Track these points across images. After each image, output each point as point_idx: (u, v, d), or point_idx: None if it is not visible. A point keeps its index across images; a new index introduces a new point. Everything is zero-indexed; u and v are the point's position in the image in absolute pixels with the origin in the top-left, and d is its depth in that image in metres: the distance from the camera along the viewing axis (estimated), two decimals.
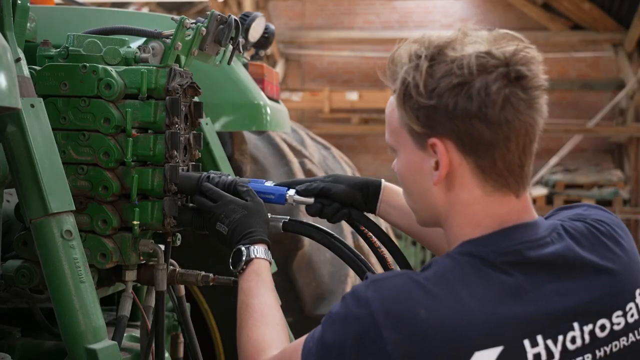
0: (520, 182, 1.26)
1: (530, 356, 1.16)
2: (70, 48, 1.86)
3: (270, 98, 2.82)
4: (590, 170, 11.72)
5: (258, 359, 1.39)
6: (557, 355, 1.18)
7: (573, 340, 1.19)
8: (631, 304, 1.24)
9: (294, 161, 3.22)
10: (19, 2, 1.58)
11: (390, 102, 1.36)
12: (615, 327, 1.22)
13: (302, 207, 2.99)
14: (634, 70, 11.57)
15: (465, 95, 1.20)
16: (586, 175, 11.41)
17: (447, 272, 1.21)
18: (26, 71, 1.57)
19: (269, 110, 2.73)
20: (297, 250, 2.92)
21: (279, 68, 13.43)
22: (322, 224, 1.87)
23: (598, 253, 1.26)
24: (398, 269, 1.75)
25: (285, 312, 2.46)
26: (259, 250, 1.60)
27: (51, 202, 1.55)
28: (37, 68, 1.82)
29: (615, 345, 1.22)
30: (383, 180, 1.76)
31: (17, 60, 1.52)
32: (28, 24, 1.71)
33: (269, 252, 1.62)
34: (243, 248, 1.60)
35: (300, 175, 3.19)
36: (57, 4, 3.39)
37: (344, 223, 1.88)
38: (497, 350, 1.14)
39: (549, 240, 1.25)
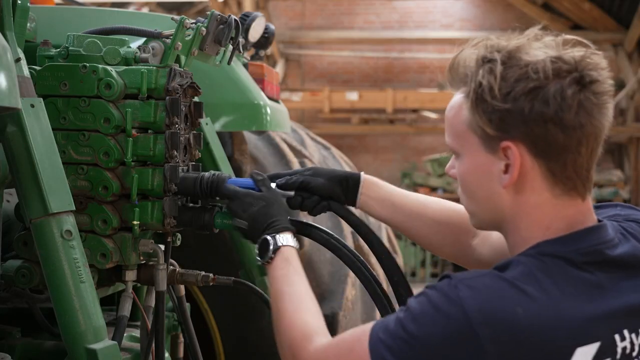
0: (587, 185, 1.30)
1: (619, 350, 1.21)
2: (70, 48, 1.86)
3: (270, 98, 2.82)
4: None
5: (307, 345, 1.36)
6: (637, 349, 1.23)
7: None
8: None
9: (294, 161, 3.22)
10: (19, 2, 1.58)
11: (452, 105, 1.37)
12: None
13: None
14: (634, 70, 11.58)
15: (542, 99, 1.22)
16: None
17: (536, 272, 1.22)
18: (26, 71, 1.57)
19: (269, 110, 2.73)
20: (297, 250, 2.92)
21: (279, 68, 13.44)
22: (322, 224, 1.87)
23: None
24: (402, 271, 1.75)
25: None
26: (286, 238, 1.58)
27: (51, 202, 1.55)
28: (37, 68, 1.82)
29: None
30: (362, 173, 1.76)
31: (17, 60, 1.52)
32: (28, 24, 1.71)
33: (296, 240, 1.61)
34: (269, 237, 1.58)
35: None
36: (57, 4, 3.38)
37: (344, 223, 1.88)
38: (595, 346, 1.18)
39: (617, 242, 1.30)
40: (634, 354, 1.23)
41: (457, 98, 1.35)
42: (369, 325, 1.29)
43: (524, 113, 1.23)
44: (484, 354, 1.16)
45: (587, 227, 1.29)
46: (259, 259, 1.59)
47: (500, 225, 1.36)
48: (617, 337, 1.21)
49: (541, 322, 1.17)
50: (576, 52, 1.26)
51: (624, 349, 1.21)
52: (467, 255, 1.68)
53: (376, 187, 1.76)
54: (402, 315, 1.24)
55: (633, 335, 1.23)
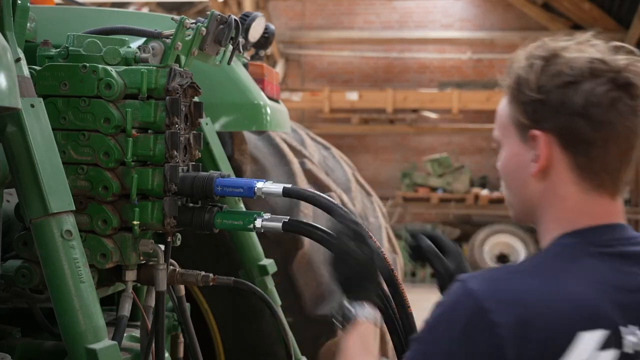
0: (617, 184, 1.32)
1: (627, 342, 1.21)
2: (70, 48, 1.86)
3: (270, 98, 2.82)
4: None
5: None
6: None
7: None
8: None
9: (294, 161, 3.22)
10: (19, 2, 1.58)
11: (502, 100, 1.42)
12: None
13: (303, 207, 3.00)
14: None
15: (573, 93, 1.26)
16: None
17: (546, 260, 1.27)
18: (26, 71, 1.57)
19: (269, 110, 2.73)
20: (297, 250, 2.92)
21: (279, 68, 13.43)
22: (322, 224, 1.87)
23: None
24: (398, 270, 1.75)
25: (285, 312, 2.48)
26: (366, 312, 1.55)
27: (51, 202, 1.55)
28: (37, 68, 1.82)
29: None
30: None
31: (17, 60, 1.52)
32: (28, 24, 1.71)
33: (374, 314, 1.57)
34: (351, 306, 1.55)
35: (300, 175, 3.19)
36: (57, 4, 3.38)
37: None
38: (600, 333, 1.19)
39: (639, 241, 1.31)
40: None
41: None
42: None
43: (555, 105, 1.27)
44: (500, 340, 1.17)
45: (610, 223, 1.31)
46: (333, 317, 1.58)
47: (532, 216, 1.38)
48: (622, 329, 1.21)
49: (548, 306, 1.19)
50: (622, 59, 1.28)
51: (631, 343, 1.21)
52: None
53: None
54: (422, 332, 1.27)
55: (638, 330, 1.22)
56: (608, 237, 1.29)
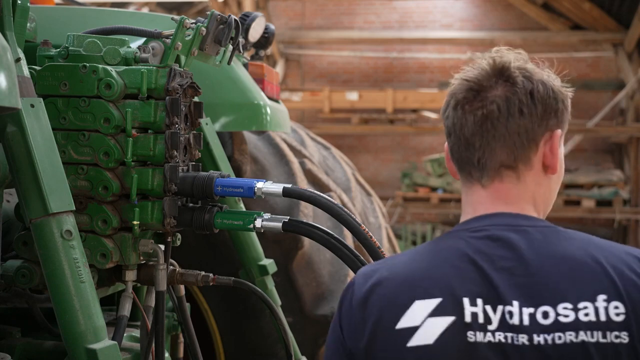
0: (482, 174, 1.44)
1: (467, 312, 1.28)
2: (70, 48, 1.86)
3: (270, 98, 2.82)
4: (590, 170, 11.72)
5: None
6: (495, 323, 1.27)
7: (511, 315, 1.27)
8: (587, 303, 1.27)
9: (294, 161, 3.22)
10: (19, 2, 1.58)
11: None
12: (562, 319, 1.26)
13: (303, 207, 3.00)
14: (634, 70, 11.58)
15: None
16: (586, 175, 11.40)
17: (426, 244, 1.42)
18: (26, 71, 1.57)
19: (269, 110, 2.73)
20: (297, 250, 2.92)
21: (279, 68, 13.43)
22: (322, 223, 1.87)
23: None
24: None
25: (285, 312, 2.48)
26: None
27: (51, 202, 1.55)
28: (37, 68, 1.82)
29: (560, 337, 1.25)
30: None
31: (17, 60, 1.52)
32: (28, 24, 1.71)
33: None
34: None
35: (300, 175, 3.19)
36: (57, 4, 3.38)
37: None
38: (435, 301, 1.29)
39: (514, 228, 1.36)
40: (490, 327, 1.26)
41: None
42: None
43: None
44: (353, 296, 1.36)
45: (488, 213, 1.39)
46: None
47: None
48: (466, 300, 1.28)
49: (394, 276, 1.34)
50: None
51: (475, 314, 1.27)
52: None
53: None
54: None
55: (488, 307, 1.28)
56: (483, 224, 1.37)
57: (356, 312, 1.35)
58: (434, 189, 12.51)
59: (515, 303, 1.27)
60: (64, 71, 1.80)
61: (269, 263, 2.50)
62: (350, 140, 13.65)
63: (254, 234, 2.48)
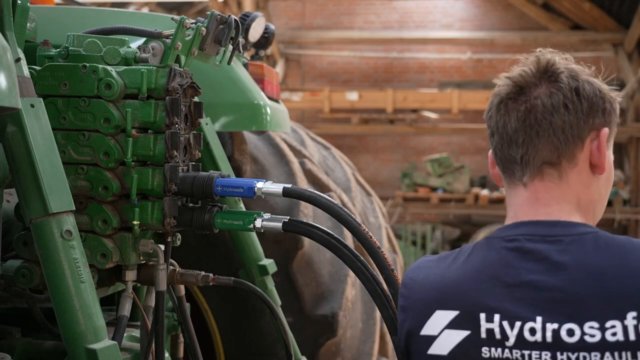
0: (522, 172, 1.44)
1: (483, 329, 1.28)
2: (70, 48, 1.86)
3: (270, 98, 2.82)
4: None
5: None
6: (512, 339, 1.26)
7: (532, 332, 1.25)
8: (615, 322, 1.22)
9: (294, 161, 3.22)
10: (19, 2, 1.58)
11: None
12: (587, 338, 1.22)
13: (303, 207, 3.00)
14: (634, 70, 11.58)
15: None
16: None
17: (462, 249, 1.42)
18: (26, 71, 1.57)
19: (269, 110, 2.73)
20: (297, 250, 2.92)
21: (279, 68, 13.43)
22: (322, 223, 1.87)
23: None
24: (398, 269, 1.79)
25: (285, 312, 2.47)
26: None
27: (51, 202, 1.55)
28: (37, 68, 1.82)
29: (584, 358, 1.21)
30: None
31: (17, 60, 1.52)
32: (28, 24, 1.71)
33: None
34: None
35: (300, 175, 3.19)
36: (57, 4, 3.38)
37: None
38: (453, 314, 1.31)
39: (553, 240, 1.32)
40: (508, 343, 1.26)
41: None
42: None
43: None
44: (401, 308, 1.42)
45: (524, 220, 1.37)
46: None
47: None
48: (482, 315, 1.28)
49: (423, 284, 1.39)
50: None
51: (490, 330, 1.27)
52: None
53: None
54: None
55: (505, 323, 1.26)
56: (517, 232, 1.35)
57: (400, 310, 1.43)
58: (434, 189, 12.51)
59: (539, 319, 1.25)
60: (64, 71, 1.80)
61: (269, 263, 2.50)
62: (350, 140, 13.66)
63: (254, 234, 2.48)
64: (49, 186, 1.55)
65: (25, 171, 1.55)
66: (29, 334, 2.00)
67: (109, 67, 1.80)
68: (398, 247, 4.15)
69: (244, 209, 2.39)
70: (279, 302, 2.48)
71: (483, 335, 1.27)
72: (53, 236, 1.55)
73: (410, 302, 1.40)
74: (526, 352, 1.24)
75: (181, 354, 2.35)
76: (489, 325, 1.27)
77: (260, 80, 2.81)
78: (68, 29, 1.95)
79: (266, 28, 2.79)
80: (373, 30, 13.94)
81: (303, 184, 3.11)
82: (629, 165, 11.96)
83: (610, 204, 11.08)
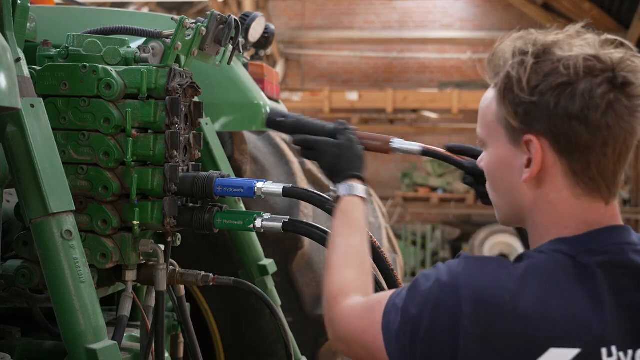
0: (612, 189, 1.26)
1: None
2: (70, 48, 1.86)
3: (270, 98, 2.82)
4: None
5: (340, 301, 1.38)
6: None
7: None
8: None
9: (294, 161, 3.22)
10: (19, 2, 1.58)
11: (486, 97, 1.35)
12: None
13: (302, 207, 3.00)
14: None
15: (569, 95, 1.20)
16: None
17: (539, 266, 1.21)
18: (26, 71, 1.57)
19: (269, 110, 2.73)
20: (297, 250, 2.92)
21: (279, 68, 13.43)
22: (322, 223, 1.87)
23: None
24: (398, 269, 1.76)
25: (285, 312, 2.47)
26: (351, 188, 1.59)
27: (51, 202, 1.55)
28: (37, 68, 1.82)
29: None
30: None
31: (17, 60, 1.52)
32: (28, 24, 1.71)
33: (360, 187, 1.60)
34: (333, 187, 1.61)
35: (300, 175, 3.18)
36: (57, 4, 3.38)
37: None
38: (573, 352, 1.15)
39: (639, 249, 1.24)
40: None
41: (491, 90, 1.34)
42: (392, 291, 1.31)
43: (549, 107, 1.21)
44: (461, 331, 1.16)
45: (606, 226, 1.25)
46: (329, 205, 1.65)
47: (522, 220, 1.34)
48: (604, 351, 1.16)
49: (523, 314, 1.16)
50: (616, 53, 1.22)
51: None
52: None
53: None
54: (409, 286, 1.27)
55: (621, 354, 1.17)
56: (603, 243, 1.23)
57: (462, 336, 1.22)
58: (434, 189, 12.52)
59: None
60: (64, 71, 1.80)
61: (269, 263, 2.50)
62: None
63: (254, 234, 2.48)
64: (49, 186, 1.55)
65: (25, 171, 1.55)
66: (29, 334, 2.00)
67: (109, 67, 1.80)
68: (398, 247, 4.15)
69: (244, 209, 2.39)
70: (279, 302, 2.48)
71: None
72: (53, 236, 1.55)
73: (498, 332, 1.16)
74: None
75: (181, 354, 2.35)
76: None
77: (260, 80, 2.81)
78: (68, 29, 1.95)
79: (266, 28, 2.79)
80: (373, 30, 13.94)
81: (303, 184, 3.11)
82: (629, 165, 11.97)
83: None
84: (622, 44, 1.25)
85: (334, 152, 1.65)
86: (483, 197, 1.70)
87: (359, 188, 1.59)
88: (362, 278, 1.43)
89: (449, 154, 1.79)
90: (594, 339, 1.16)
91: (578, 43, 1.24)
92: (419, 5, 14.04)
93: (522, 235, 1.78)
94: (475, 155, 1.78)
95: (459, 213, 12.83)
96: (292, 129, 1.76)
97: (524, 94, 1.22)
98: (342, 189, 1.58)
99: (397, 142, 1.82)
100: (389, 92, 12.05)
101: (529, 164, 1.26)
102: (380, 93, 12.19)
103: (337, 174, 1.62)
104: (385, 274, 1.68)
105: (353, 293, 1.38)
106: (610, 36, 1.26)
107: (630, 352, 1.18)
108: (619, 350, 1.17)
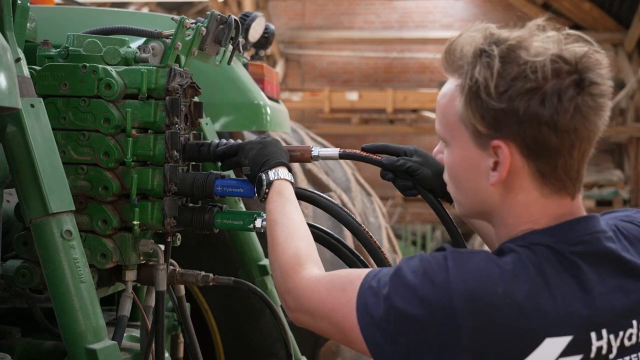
0: (577, 185, 1.29)
1: (594, 348, 1.19)
2: (70, 48, 1.86)
3: (270, 98, 2.82)
4: (590, 170, 11.72)
5: (299, 270, 1.41)
6: (614, 351, 1.21)
7: (630, 337, 1.22)
8: None
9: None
10: (19, 2, 1.58)
11: (445, 93, 1.34)
12: None
13: (302, 207, 2.99)
14: (634, 70, 11.58)
15: (538, 101, 1.20)
16: (586, 175, 11.35)
17: (525, 260, 1.22)
18: (26, 71, 1.57)
19: (269, 110, 2.73)
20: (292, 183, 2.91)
21: (279, 68, 13.43)
22: (322, 223, 1.87)
23: None
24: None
25: (284, 312, 2.47)
26: (278, 173, 1.65)
27: (51, 202, 1.55)
28: (37, 68, 1.82)
29: None
30: None
31: (17, 60, 1.52)
32: (28, 24, 1.71)
33: (290, 174, 1.68)
34: (263, 175, 1.66)
35: (300, 175, 3.19)
36: (57, 4, 3.38)
37: None
38: (566, 339, 1.17)
39: (610, 235, 1.28)
40: (611, 356, 1.21)
41: (451, 87, 1.33)
42: (365, 271, 1.31)
43: (519, 113, 1.21)
44: (456, 328, 1.16)
45: (577, 217, 1.28)
46: (256, 196, 1.67)
47: (486, 217, 1.35)
48: (593, 334, 1.19)
49: (518, 306, 1.17)
50: (577, 49, 1.22)
51: (600, 348, 1.20)
52: None
53: None
54: (392, 274, 1.25)
55: (612, 337, 1.21)
56: (579, 233, 1.25)
57: (465, 334, 1.24)
58: None
59: (634, 322, 1.23)
60: (64, 71, 1.80)
61: (268, 263, 2.50)
62: (350, 140, 13.65)
63: (254, 234, 2.48)
64: (49, 186, 1.55)
65: (25, 171, 1.55)
66: (29, 334, 2.00)
67: (109, 67, 1.80)
68: (398, 247, 4.15)
69: (244, 209, 2.39)
70: (279, 302, 2.48)
71: (593, 355, 1.20)
72: (53, 236, 1.55)
73: (494, 326, 1.17)
74: (626, 358, 1.22)
75: (181, 354, 2.35)
76: (599, 344, 1.20)
77: (260, 80, 2.81)
78: (68, 29, 1.95)
79: (266, 28, 2.79)
80: (373, 30, 13.94)
81: (303, 184, 3.11)
82: (629, 165, 11.96)
83: (610, 204, 11.09)
84: (581, 39, 1.25)
85: (258, 147, 1.73)
86: (403, 191, 1.77)
87: (285, 172, 1.66)
88: (311, 249, 1.49)
89: (366, 154, 1.81)
90: (585, 325, 1.18)
91: (540, 40, 1.24)
92: (419, 5, 14.04)
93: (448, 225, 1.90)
94: (390, 152, 1.80)
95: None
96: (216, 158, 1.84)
97: (492, 100, 1.22)
98: (271, 174, 1.65)
99: (317, 150, 1.85)
100: (389, 92, 12.05)
101: (495, 167, 1.26)
102: (380, 93, 12.19)
103: (264, 164, 1.68)
104: None
105: (309, 263, 1.43)
106: (572, 31, 1.27)
107: (620, 333, 1.21)
108: (609, 333, 1.20)
